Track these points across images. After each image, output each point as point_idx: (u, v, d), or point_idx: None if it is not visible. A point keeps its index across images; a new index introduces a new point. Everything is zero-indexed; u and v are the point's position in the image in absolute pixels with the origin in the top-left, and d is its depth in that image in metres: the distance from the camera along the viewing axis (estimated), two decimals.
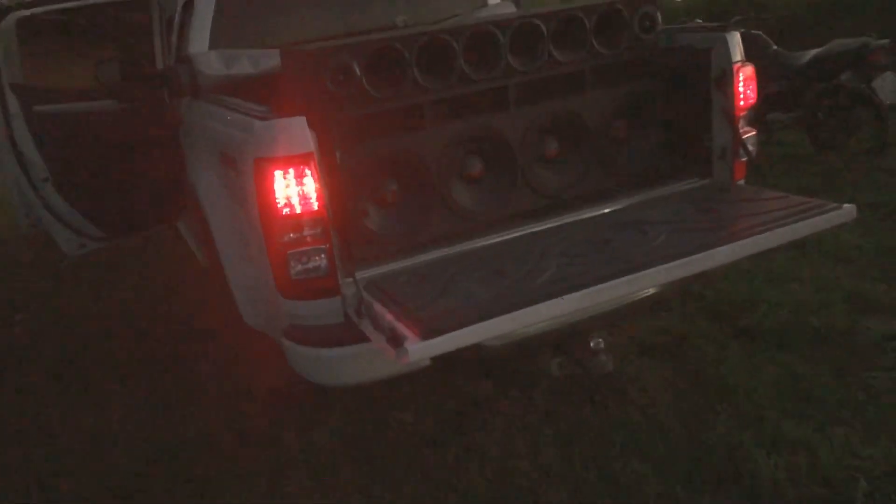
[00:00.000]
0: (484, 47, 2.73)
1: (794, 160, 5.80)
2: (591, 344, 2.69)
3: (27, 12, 4.04)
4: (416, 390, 3.20)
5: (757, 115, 5.69)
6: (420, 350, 1.97)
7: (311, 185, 2.30)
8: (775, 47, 5.87)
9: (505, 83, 2.80)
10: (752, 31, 5.88)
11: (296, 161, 2.28)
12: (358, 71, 2.51)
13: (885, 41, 5.38)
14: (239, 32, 3.77)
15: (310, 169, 2.30)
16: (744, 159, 3.03)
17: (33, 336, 4.35)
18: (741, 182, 3.08)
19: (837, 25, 8.60)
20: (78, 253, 4.28)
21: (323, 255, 2.35)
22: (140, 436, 3.22)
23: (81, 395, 3.62)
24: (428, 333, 1.99)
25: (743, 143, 2.97)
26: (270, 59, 3.46)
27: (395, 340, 2.02)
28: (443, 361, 2.27)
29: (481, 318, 2.04)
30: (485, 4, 4.29)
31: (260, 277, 2.54)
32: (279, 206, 2.30)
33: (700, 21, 6.18)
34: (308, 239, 2.34)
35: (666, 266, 2.30)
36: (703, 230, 2.53)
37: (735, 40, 2.96)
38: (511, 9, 4.18)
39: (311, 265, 2.35)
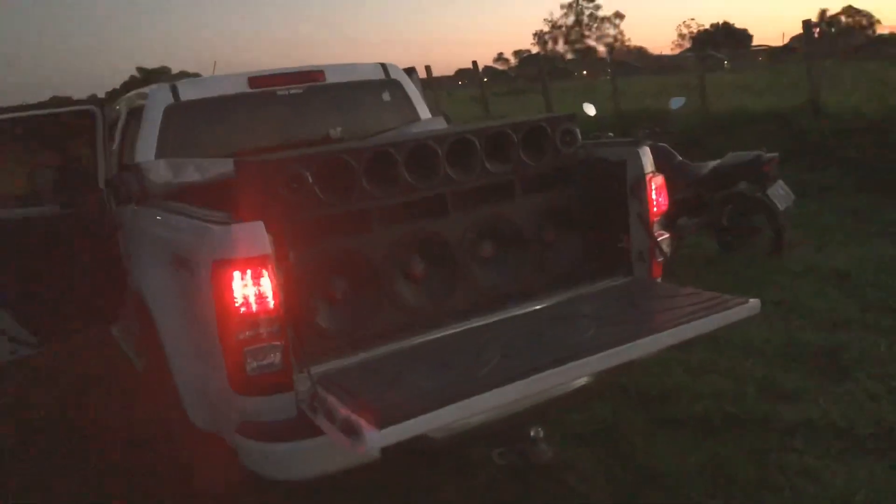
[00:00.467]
0: (424, 159, 3.00)
1: (704, 261, 6.26)
2: (531, 433, 2.84)
3: None
4: (364, 485, 3.23)
5: (668, 220, 6.22)
6: (376, 439, 2.08)
7: (267, 285, 2.44)
8: (680, 158, 6.44)
9: (443, 191, 3.07)
10: (659, 144, 6.46)
11: (254, 262, 2.42)
12: (310, 179, 2.72)
13: (775, 154, 6.02)
14: (184, 142, 3.95)
15: (267, 269, 2.44)
16: (660, 260, 3.35)
17: None
18: (659, 280, 3.39)
19: (728, 139, 9.49)
20: (9, 359, 4.18)
21: (278, 352, 2.46)
22: None
23: None
24: (383, 423, 2.10)
25: (658, 245, 3.30)
26: (217, 167, 3.65)
27: (351, 431, 2.12)
28: (392, 453, 2.37)
29: (432, 408, 2.18)
30: (417, 119, 4.63)
31: (212, 376, 2.61)
32: (237, 305, 2.41)
33: (611, 135, 6.76)
34: (264, 336, 2.45)
35: (597, 356, 2.51)
36: (627, 323, 2.78)
37: (646, 153, 3.34)
38: (442, 124, 4.53)
39: (266, 361, 2.45)
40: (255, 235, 2.44)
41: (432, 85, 16.75)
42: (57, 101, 4.57)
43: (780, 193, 5.94)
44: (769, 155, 5.92)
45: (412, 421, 2.14)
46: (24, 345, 4.16)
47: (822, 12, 74.33)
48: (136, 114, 4.08)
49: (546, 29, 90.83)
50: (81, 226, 4.14)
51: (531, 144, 3.27)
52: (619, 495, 3.04)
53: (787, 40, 53.91)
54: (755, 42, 75.05)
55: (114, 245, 4.00)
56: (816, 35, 12.79)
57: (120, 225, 4.01)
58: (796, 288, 5.27)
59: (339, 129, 4.38)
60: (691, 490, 3.01)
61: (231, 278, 2.42)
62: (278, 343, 2.47)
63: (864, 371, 3.88)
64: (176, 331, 2.93)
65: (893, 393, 3.62)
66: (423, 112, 4.65)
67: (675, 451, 3.32)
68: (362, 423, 2.14)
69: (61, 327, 4.23)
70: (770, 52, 55.61)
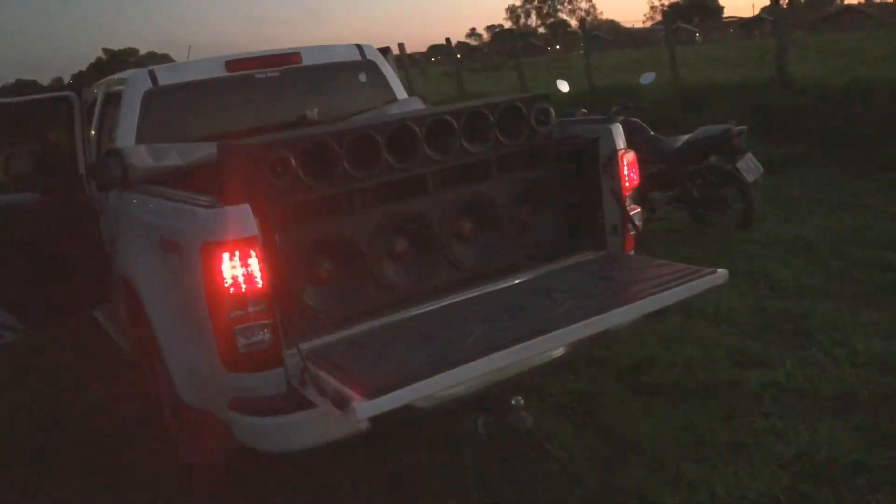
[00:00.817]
0: (404, 140, 3.08)
1: (675, 234, 6.43)
2: (512, 402, 2.96)
3: None
4: (353, 459, 3.34)
5: (640, 194, 6.37)
6: (365, 409, 2.19)
7: (255, 266, 2.52)
8: (652, 133, 6.57)
9: (423, 171, 3.16)
10: (632, 119, 6.59)
11: (241, 244, 2.50)
12: (294, 163, 2.79)
13: (744, 127, 6.17)
14: (164, 127, 3.98)
15: (254, 251, 2.52)
16: (632, 233, 3.48)
17: None
18: (631, 253, 3.52)
19: (700, 113, 9.65)
20: None
21: (267, 329, 2.56)
22: None
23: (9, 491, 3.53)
24: (373, 393, 2.21)
25: (630, 219, 3.42)
26: (198, 152, 3.70)
27: (342, 402, 2.23)
28: (379, 424, 2.49)
29: (418, 378, 2.29)
30: (394, 100, 4.69)
31: (203, 355, 2.70)
32: (226, 285, 2.50)
33: (585, 111, 6.86)
34: (252, 315, 2.54)
35: (573, 326, 2.63)
36: (601, 295, 2.91)
37: (618, 130, 3.45)
38: (419, 104, 4.60)
39: (255, 339, 2.54)
40: (242, 218, 2.52)
41: (406, 62, 16.69)
42: (22, 84, 4.54)
43: (749, 166, 6.10)
44: (738, 128, 6.07)
45: (399, 391, 2.25)
46: (9, 330, 4.20)
47: None
48: (114, 99, 4.10)
49: (518, 3, 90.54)
50: (62, 211, 4.18)
51: (507, 124, 3.36)
52: (598, 461, 3.18)
53: (757, 11, 54.25)
54: (726, 14, 75.60)
55: (96, 230, 4.04)
56: (785, 5, 12.98)
57: (102, 210, 4.05)
58: (764, 258, 5.45)
59: (315, 110, 4.43)
60: (666, 454, 3.16)
61: (220, 260, 2.50)
62: (267, 321, 2.56)
63: (827, 337, 4.05)
64: (165, 312, 3.00)
65: (855, 357, 3.80)
66: (400, 92, 4.72)
67: (650, 418, 3.48)
68: (352, 394, 2.25)
69: (46, 312, 4.27)
70: (741, 23, 55.96)
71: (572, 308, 2.78)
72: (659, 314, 4.29)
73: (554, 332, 2.59)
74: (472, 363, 2.38)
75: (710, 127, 6.34)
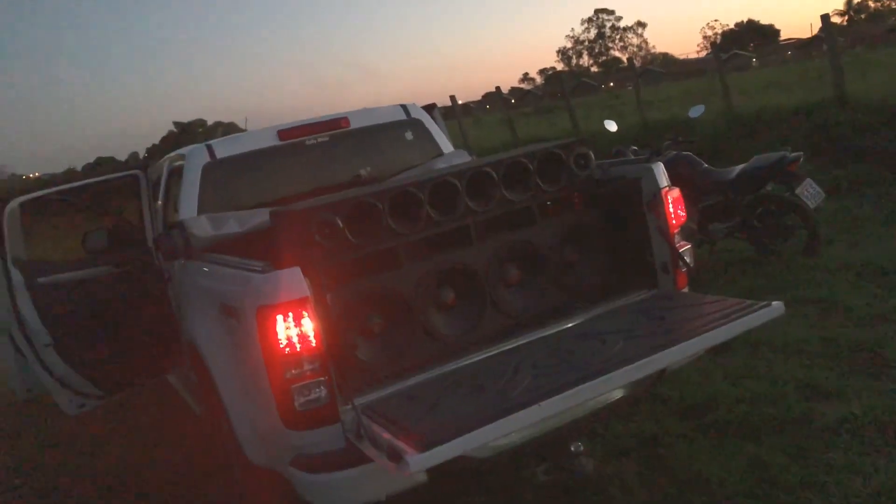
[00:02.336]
0: (445, 194, 3.17)
1: (739, 265, 6.28)
2: (571, 448, 2.94)
3: (29, 196, 4.45)
4: None
5: (700, 227, 6.28)
6: (419, 462, 2.22)
7: (308, 326, 2.62)
8: (705, 165, 6.50)
9: (466, 223, 3.23)
10: (683, 153, 6.55)
11: (294, 305, 2.61)
12: (340, 223, 2.91)
13: (800, 153, 6.05)
14: (222, 197, 4.19)
15: (306, 311, 2.62)
16: (683, 270, 3.44)
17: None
18: (685, 290, 3.48)
19: (755, 140, 9.47)
20: (78, 412, 4.45)
21: (323, 387, 2.64)
22: None
23: None
24: (424, 446, 2.24)
25: (680, 256, 3.39)
26: (255, 218, 3.88)
27: (395, 456, 2.27)
28: (439, 475, 2.52)
29: (471, 428, 2.31)
30: (440, 154, 4.81)
31: (264, 414, 2.79)
32: (281, 345, 2.60)
33: (635, 148, 6.85)
34: (308, 373, 2.63)
35: (624, 369, 2.62)
36: (653, 334, 2.88)
37: (660, 169, 3.45)
38: (465, 157, 4.70)
39: (312, 396, 2.63)
40: (293, 280, 2.63)
41: (459, 113, 17.02)
42: (100, 162, 4.91)
43: (809, 192, 5.95)
44: (794, 154, 5.96)
45: (451, 442, 2.27)
46: (90, 398, 4.44)
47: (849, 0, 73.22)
48: (176, 173, 4.35)
49: (569, 45, 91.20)
50: (134, 283, 4.42)
51: (547, 170, 3.42)
52: None
53: (814, 31, 53.07)
54: (783, 37, 74.22)
55: (165, 298, 4.25)
56: (844, 22, 12.69)
57: (169, 279, 4.26)
58: (833, 285, 5.27)
59: (367, 169, 4.59)
60: (734, 494, 3.07)
61: (275, 322, 2.61)
62: (322, 378, 2.64)
63: None
64: (228, 374, 3.12)
65: None
66: (446, 146, 4.84)
67: (716, 456, 3.38)
68: (405, 447, 2.29)
69: (123, 379, 4.48)
70: (798, 45, 54.83)
71: (623, 350, 2.76)
72: (722, 349, 4.20)
73: (605, 376, 2.58)
74: (523, 412, 2.39)
75: (764, 155, 6.24)
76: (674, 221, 3.42)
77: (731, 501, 3.04)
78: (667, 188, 3.42)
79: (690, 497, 3.11)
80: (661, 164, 3.48)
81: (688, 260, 3.43)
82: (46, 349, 4.23)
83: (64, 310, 4.32)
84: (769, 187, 6.15)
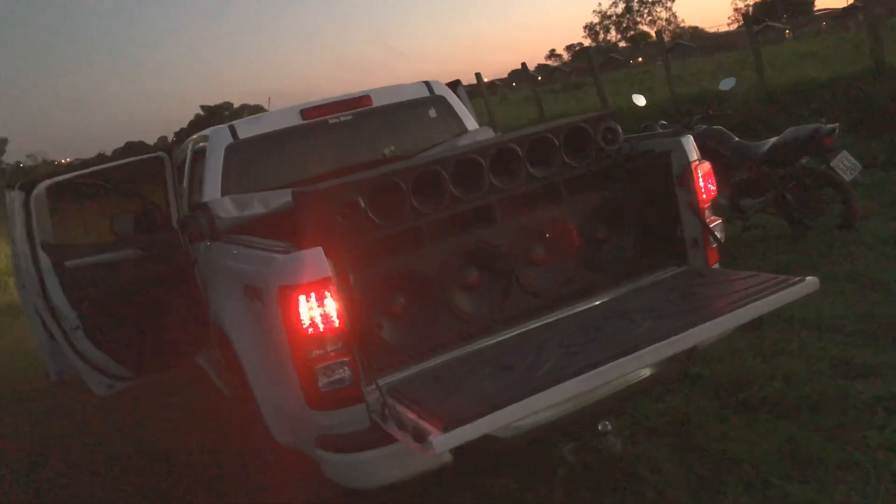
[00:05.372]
0: (468, 171, 3.11)
1: (772, 240, 6.14)
2: (599, 427, 2.90)
3: (55, 179, 4.48)
4: (442, 488, 3.35)
5: (731, 202, 6.14)
6: (443, 442, 2.20)
7: (331, 306, 2.60)
8: (737, 139, 6.34)
9: (490, 200, 3.17)
10: (715, 126, 6.39)
11: (316, 286, 2.59)
12: (363, 203, 2.87)
13: (835, 125, 5.86)
14: (246, 178, 4.18)
15: (329, 291, 2.60)
16: (714, 246, 3.36)
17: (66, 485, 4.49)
18: (716, 266, 3.39)
19: (789, 113, 9.23)
20: (108, 393, 4.51)
21: (346, 367, 2.62)
22: None
23: None
24: (448, 426, 2.22)
25: (710, 232, 3.30)
26: (278, 199, 3.86)
27: (420, 436, 2.25)
28: (464, 456, 2.49)
29: (495, 408, 2.28)
30: (465, 131, 4.74)
31: (289, 394, 2.79)
32: (304, 326, 2.59)
33: (664, 123, 6.71)
34: (332, 353, 2.61)
35: (654, 346, 2.56)
36: (683, 312, 2.81)
37: (689, 142, 3.36)
38: (490, 134, 4.63)
39: (336, 377, 2.61)
40: (315, 261, 2.61)
41: (485, 91, 16.85)
42: (130, 146, 4.93)
43: (845, 165, 5.78)
44: (829, 126, 5.78)
45: (476, 422, 2.25)
46: (120, 379, 4.49)
47: None
48: (200, 155, 4.34)
49: (596, 20, 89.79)
50: (161, 265, 4.45)
51: (573, 146, 3.34)
52: (694, 484, 3.06)
53: (850, 1, 51.53)
54: (817, 7, 72.26)
55: (192, 280, 4.27)
56: None
57: (195, 261, 4.28)
58: (869, 260, 5.13)
59: (392, 148, 4.54)
60: (769, 474, 3.00)
61: (297, 302, 2.59)
62: (346, 359, 2.63)
63: None
64: (254, 356, 3.12)
65: None
66: (470, 123, 4.77)
67: (749, 436, 3.31)
68: (429, 427, 2.26)
69: (152, 361, 4.53)
70: (834, 15, 53.33)
71: (652, 327, 2.70)
72: (754, 326, 4.11)
73: (633, 355, 2.52)
74: (549, 391, 2.35)
75: (798, 128, 6.07)
76: (704, 196, 3.33)
77: (765, 482, 2.97)
78: (697, 162, 3.33)
79: (723, 477, 3.05)
80: (691, 137, 3.38)
81: (718, 235, 3.34)
82: (75, 331, 4.28)
83: (92, 292, 4.36)
84: (804, 160, 5.98)
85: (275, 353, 2.84)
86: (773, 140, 6.09)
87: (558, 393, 2.37)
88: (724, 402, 3.68)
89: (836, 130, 5.79)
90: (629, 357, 2.51)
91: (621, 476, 3.19)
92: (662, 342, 2.56)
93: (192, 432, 4.77)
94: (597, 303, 3.15)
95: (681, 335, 2.59)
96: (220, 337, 3.59)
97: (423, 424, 2.30)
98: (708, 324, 2.64)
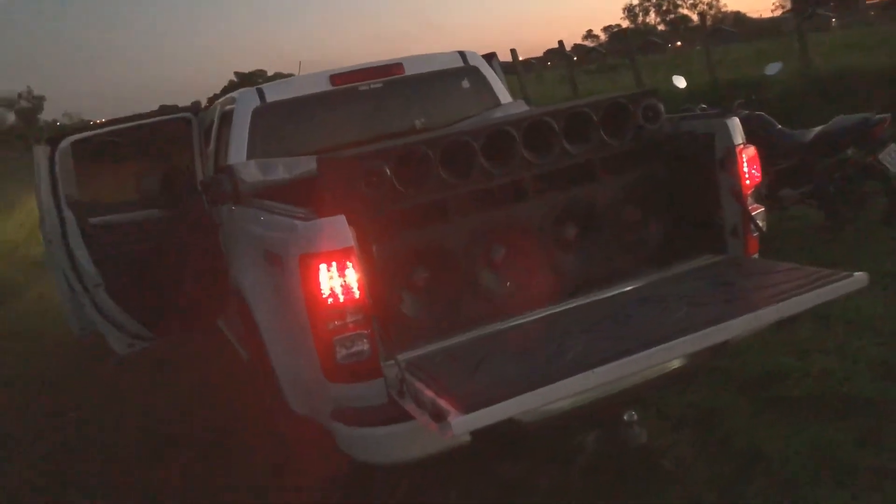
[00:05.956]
0: (500, 144, 2.98)
1: (810, 233, 5.93)
2: (625, 417, 2.79)
3: (82, 135, 4.43)
4: (459, 471, 3.27)
5: (769, 192, 5.93)
6: (462, 423, 2.11)
7: (352, 277, 2.51)
8: (779, 126, 6.12)
9: (522, 176, 3.04)
10: (756, 112, 6.16)
11: (338, 255, 2.50)
12: (388, 172, 2.77)
13: (886, 115, 5.61)
14: (272, 142, 4.10)
15: (351, 261, 2.51)
16: (755, 235, 3.20)
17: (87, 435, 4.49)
18: (755, 256, 3.24)
19: (834, 103, 8.91)
20: (128, 352, 4.50)
21: (365, 340, 2.54)
22: None
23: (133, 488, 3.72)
24: (469, 407, 2.12)
25: (752, 220, 3.15)
26: (304, 166, 3.77)
27: (438, 416, 2.16)
28: (482, 438, 2.40)
29: (518, 392, 2.18)
30: (498, 104, 4.60)
31: (306, 364, 2.71)
32: (324, 296, 2.50)
33: (704, 107, 6.49)
34: (351, 325, 2.53)
35: (687, 337, 2.43)
36: (720, 302, 2.67)
37: (735, 124, 3.19)
38: (523, 107, 4.48)
39: (354, 349, 2.53)
40: (337, 229, 2.52)
41: (519, 68, 16.55)
42: (164, 109, 4.88)
43: (892, 158, 5.53)
44: (879, 116, 5.53)
45: (497, 405, 2.15)
46: (140, 339, 4.47)
47: None
48: (227, 118, 4.27)
49: (635, 1, 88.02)
50: (185, 226, 4.40)
51: (612, 123, 3.19)
52: (718, 479, 2.94)
53: None
54: None
55: (215, 243, 4.22)
56: None
57: (219, 224, 4.22)
58: None
59: (422, 119, 4.42)
60: (799, 476, 2.88)
61: (317, 271, 2.50)
62: (365, 332, 2.54)
63: None
64: (272, 323, 3.06)
65: None
66: (504, 96, 4.63)
67: (778, 434, 3.19)
68: (448, 407, 2.17)
69: (173, 322, 4.50)
70: (882, 5, 51.67)
71: (687, 317, 2.57)
72: (787, 320, 3.95)
73: (666, 344, 2.40)
74: (576, 377, 2.25)
75: (846, 117, 5.82)
76: (748, 182, 3.17)
77: (794, 483, 2.84)
78: (742, 145, 3.16)
79: (751, 476, 2.93)
80: (737, 119, 3.22)
81: (760, 224, 3.19)
82: (98, 290, 4.26)
83: (116, 251, 4.33)
84: (849, 152, 5.74)
85: (293, 323, 2.77)
86: (818, 128, 5.85)
87: (587, 380, 2.25)
88: (752, 397, 3.55)
89: (887, 121, 5.54)
90: (662, 346, 2.39)
91: (644, 468, 3.08)
92: (699, 332, 2.43)
93: (209, 394, 4.74)
94: (628, 288, 3.02)
95: (719, 326, 2.46)
96: (239, 303, 3.53)
97: (443, 404, 2.20)
98: (749, 315, 2.51)
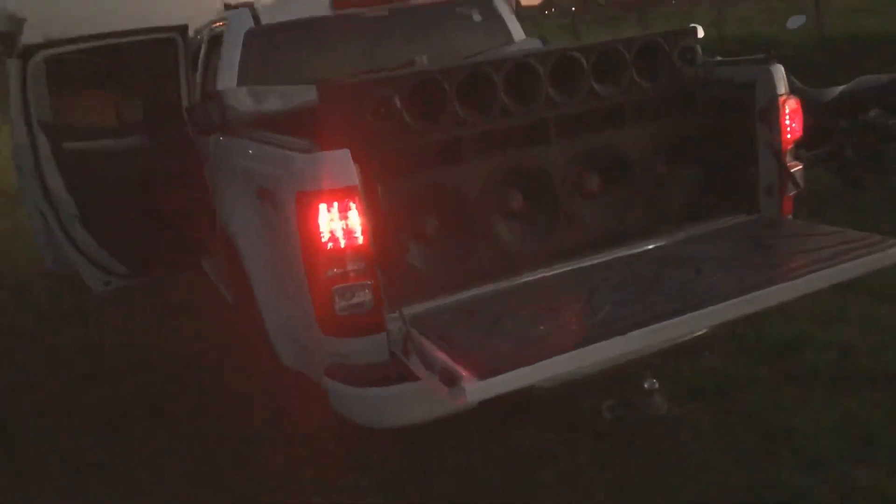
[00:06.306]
0: (524, 80, 2.68)
1: (821, 198, 5.66)
2: (646, 385, 2.57)
3: (55, 50, 4.02)
4: (461, 433, 3.04)
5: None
6: (478, 390, 1.87)
7: (355, 219, 2.23)
8: (798, 83, 5.82)
9: (545, 116, 2.75)
10: None
11: (340, 194, 2.21)
12: (398, 104, 2.46)
13: None
14: (266, 69, 3.75)
15: (354, 202, 2.23)
16: (792, 193, 2.95)
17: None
18: (790, 217, 2.99)
19: (845, 65, 8.61)
20: (103, 290, 4.21)
21: (368, 291, 2.27)
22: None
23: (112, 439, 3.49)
24: (486, 372, 1.88)
25: (792, 177, 2.89)
26: (301, 95, 3.42)
27: (450, 380, 1.91)
28: (489, 402, 2.16)
29: (542, 358, 1.94)
30: (510, 41, 4.26)
31: (299, 315, 2.46)
32: (323, 240, 2.22)
33: (720, 58, 6.15)
34: (352, 273, 2.26)
35: (727, 303, 2.19)
36: (760, 267, 2.43)
37: (780, 72, 2.91)
38: (539, 46, 4.15)
39: (355, 301, 2.26)
40: (341, 165, 2.22)
41: (519, 16, 16.03)
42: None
43: None
44: None
45: (519, 371, 1.91)
46: (116, 276, 4.18)
47: None
48: (216, 41, 3.92)
49: None
50: (167, 157, 4.06)
51: (646, 64, 2.89)
52: (741, 455, 2.74)
53: None
54: None
55: (201, 177, 3.89)
56: None
57: (206, 157, 3.89)
58: None
59: (424, 57, 4.07)
60: (827, 452, 2.69)
61: (317, 211, 2.22)
62: (368, 282, 2.27)
63: None
64: (263, 268, 2.79)
65: None
66: (518, 33, 4.28)
67: (803, 407, 2.99)
68: (462, 371, 1.92)
69: (152, 260, 4.21)
70: None
71: (723, 281, 2.33)
72: None
73: (702, 310, 2.16)
74: (605, 342, 2.01)
75: (871, 76, 5.54)
76: (789, 136, 2.90)
77: (823, 459, 2.65)
78: (785, 96, 2.88)
79: (774, 450, 2.74)
80: (782, 67, 2.93)
81: (799, 181, 2.93)
82: (73, 220, 3.94)
83: (92, 181, 3.99)
84: (872, 113, 5.47)
85: (286, 268, 2.50)
86: (841, 88, 5.57)
87: (617, 346, 2.02)
88: (773, 367, 3.34)
89: None
90: (698, 312, 2.15)
91: (660, 440, 2.87)
92: (739, 298, 2.19)
93: (189, 334, 4.48)
94: (653, 246, 2.76)
95: (760, 292, 2.22)
96: (226, 244, 3.24)
97: (455, 367, 1.95)
98: (795, 282, 2.27)
